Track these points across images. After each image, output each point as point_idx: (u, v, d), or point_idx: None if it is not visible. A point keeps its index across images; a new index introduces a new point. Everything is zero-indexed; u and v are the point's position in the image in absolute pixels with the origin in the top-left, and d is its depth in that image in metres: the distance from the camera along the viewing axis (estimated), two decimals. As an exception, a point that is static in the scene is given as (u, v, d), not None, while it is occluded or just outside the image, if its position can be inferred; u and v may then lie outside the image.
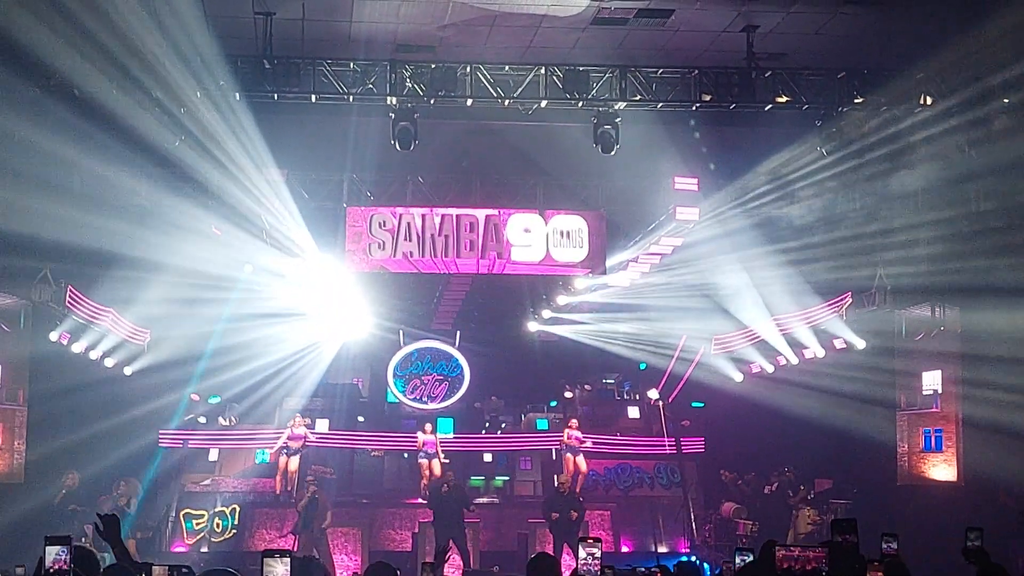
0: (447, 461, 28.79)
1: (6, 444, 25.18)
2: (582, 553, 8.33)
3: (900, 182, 23.29)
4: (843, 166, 23.46)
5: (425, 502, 27.43)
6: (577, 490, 27.60)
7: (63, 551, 6.69)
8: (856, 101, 22.27)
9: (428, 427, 29.16)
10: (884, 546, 9.49)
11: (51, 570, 6.62)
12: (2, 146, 20.28)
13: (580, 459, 28.74)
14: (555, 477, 28.48)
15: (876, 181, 23.64)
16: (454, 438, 30.57)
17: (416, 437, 28.90)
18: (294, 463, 28.09)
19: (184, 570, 9.39)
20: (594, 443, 29.52)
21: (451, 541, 25.35)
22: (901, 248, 23.93)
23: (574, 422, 29.54)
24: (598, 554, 8.36)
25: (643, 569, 12.39)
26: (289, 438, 28.15)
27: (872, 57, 21.85)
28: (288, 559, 6.75)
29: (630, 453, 31.26)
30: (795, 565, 6.26)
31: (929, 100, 21.61)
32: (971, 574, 9.78)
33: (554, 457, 30.12)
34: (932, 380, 25.99)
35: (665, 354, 32.06)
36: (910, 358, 26.33)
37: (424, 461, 28.67)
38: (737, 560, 11.14)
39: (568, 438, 28.97)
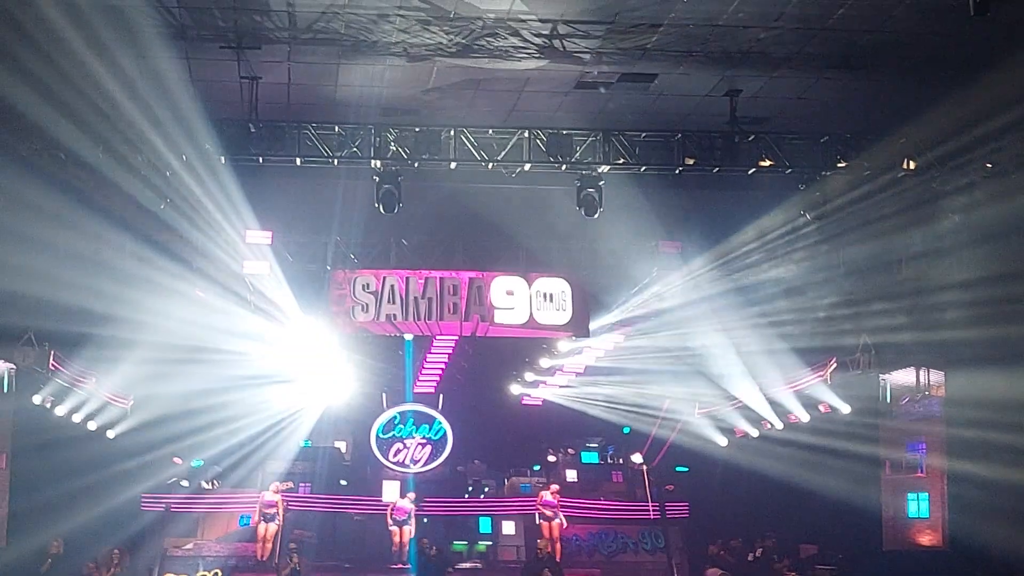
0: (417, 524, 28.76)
1: (-12, 507, 25.03)
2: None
3: (883, 245, 23.35)
4: (825, 230, 23.54)
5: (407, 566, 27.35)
6: (558, 557, 27.50)
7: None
8: (839, 165, 22.34)
9: (410, 495, 29.11)
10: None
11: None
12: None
13: (555, 524, 28.66)
14: (538, 542, 28.37)
15: (858, 245, 23.68)
16: (436, 502, 30.40)
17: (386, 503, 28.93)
18: (271, 529, 27.94)
19: None
20: (578, 507, 29.39)
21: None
22: (885, 313, 23.95)
23: (554, 487, 29.48)
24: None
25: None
26: (263, 505, 28.01)
27: (855, 122, 21.94)
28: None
29: (614, 518, 31.11)
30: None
31: (912, 164, 21.68)
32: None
33: (537, 522, 29.99)
34: (917, 445, 25.95)
35: (649, 418, 31.98)
36: (895, 422, 26.32)
37: (395, 528, 28.61)
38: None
39: (541, 502, 28.95)
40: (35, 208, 20.65)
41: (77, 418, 26.65)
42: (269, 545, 27.85)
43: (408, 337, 30.12)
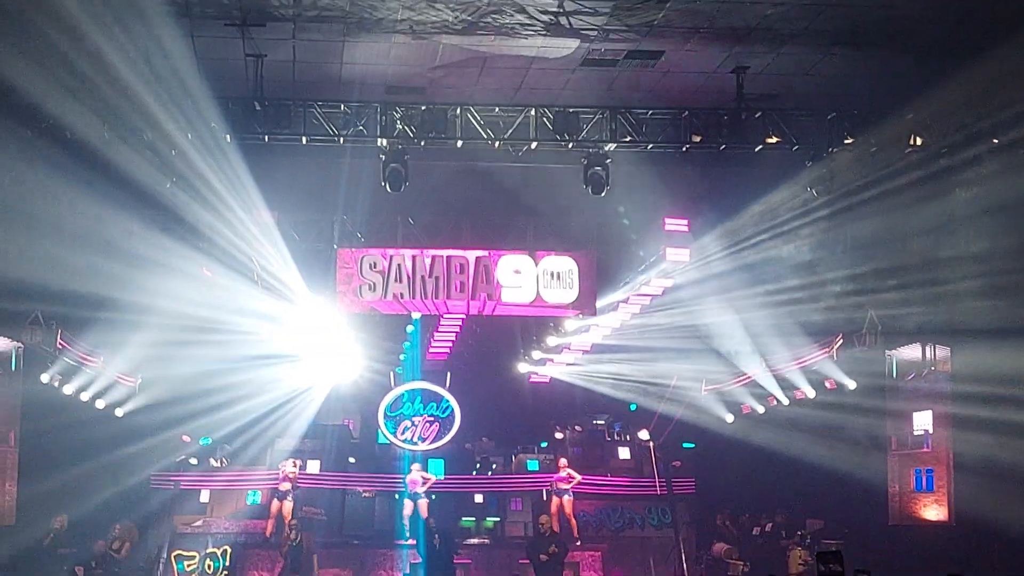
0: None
1: (-4, 485, 25.12)
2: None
3: (889, 222, 23.32)
4: (832, 206, 23.54)
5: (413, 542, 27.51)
6: (575, 533, 27.58)
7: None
8: (846, 142, 22.35)
9: (415, 467, 29.20)
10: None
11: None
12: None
13: (566, 500, 28.73)
14: (544, 516, 28.40)
15: (864, 222, 23.66)
16: (445, 479, 30.45)
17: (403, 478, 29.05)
18: (286, 507, 28.03)
19: None
20: (585, 484, 29.45)
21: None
22: (891, 289, 23.95)
23: (563, 461, 29.53)
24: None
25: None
26: (281, 480, 28.14)
27: (862, 98, 21.93)
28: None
29: (621, 494, 31.17)
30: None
31: (919, 141, 21.66)
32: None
33: (544, 498, 30.04)
34: (923, 420, 25.98)
35: (656, 395, 32.01)
36: (901, 398, 26.35)
37: (408, 502, 28.70)
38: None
39: (554, 480, 29.03)
40: (41, 188, 20.70)
41: (85, 397, 26.72)
42: (285, 521, 27.94)
43: (415, 315, 30.17)
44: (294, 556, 26.21)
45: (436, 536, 26.19)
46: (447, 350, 34.59)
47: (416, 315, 29.99)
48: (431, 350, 34.67)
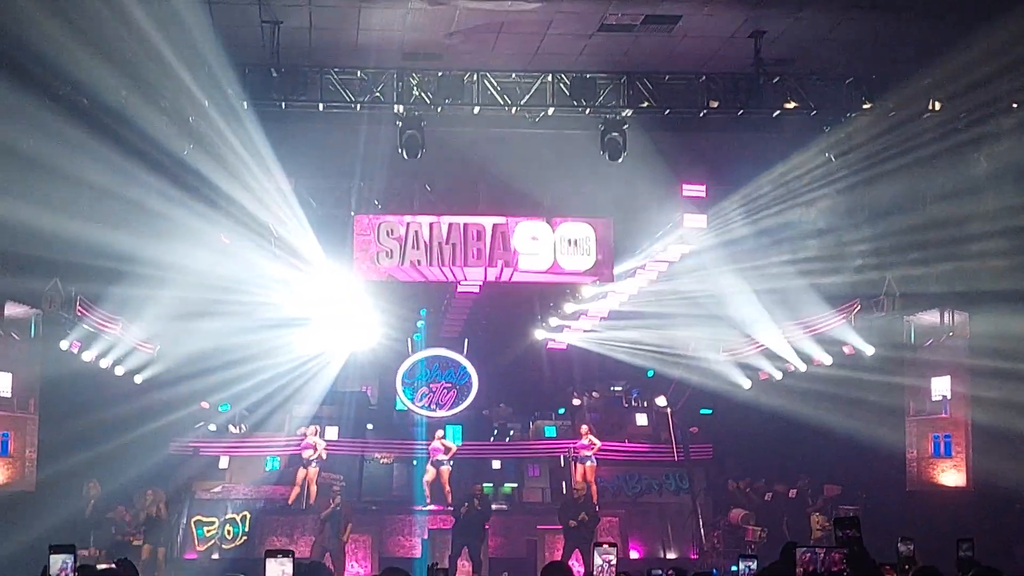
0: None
1: (17, 453, 25.15)
2: (597, 559, 8.32)
3: (907, 187, 23.26)
4: (850, 172, 23.47)
5: (437, 508, 27.61)
6: (594, 499, 27.67)
7: (68, 560, 6.68)
8: (864, 107, 22.27)
9: (439, 434, 29.33)
10: (901, 547, 9.46)
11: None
12: (11, 154, 20.28)
13: (589, 466, 28.77)
14: (569, 483, 28.47)
15: (883, 187, 23.59)
16: (463, 445, 30.53)
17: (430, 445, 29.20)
18: (313, 474, 28.20)
19: None
20: (602, 450, 29.51)
21: (465, 549, 25.53)
22: (910, 254, 23.90)
23: (584, 428, 29.58)
24: (613, 560, 8.36)
25: (659, 573, 12.35)
26: (302, 447, 28.29)
27: (880, 62, 21.83)
28: (290, 559, 6.71)
29: (638, 460, 31.24)
30: (816, 567, 6.21)
31: (937, 105, 21.57)
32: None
33: (563, 464, 30.11)
34: (941, 386, 25.91)
35: (673, 361, 32.03)
36: (919, 364, 26.29)
37: (431, 468, 28.81)
38: (741, 567, 11.05)
39: (576, 447, 29.10)
40: (61, 151, 20.66)
41: (104, 363, 26.78)
42: (314, 488, 28.07)
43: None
44: (334, 522, 26.45)
45: (476, 500, 26.32)
46: (460, 325, 34.63)
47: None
48: (445, 325, 34.72)
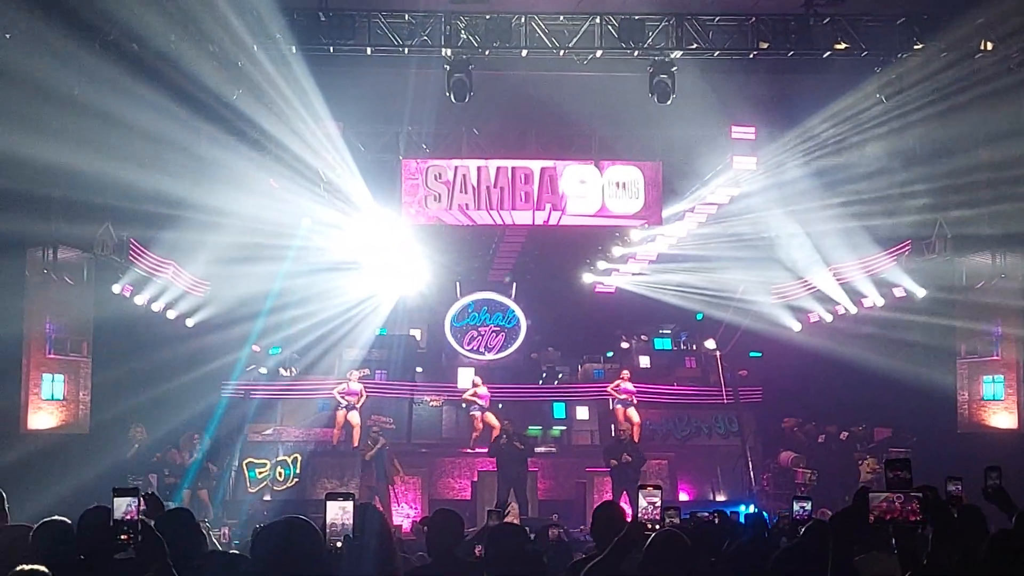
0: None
1: (71, 395, 25.42)
2: (642, 501, 8.31)
3: (959, 129, 23.04)
4: (901, 113, 23.27)
5: (485, 451, 27.70)
6: (636, 439, 27.71)
7: (132, 502, 6.77)
8: (916, 47, 22.04)
9: (475, 380, 29.42)
10: (950, 488, 9.45)
11: (122, 520, 6.69)
12: (63, 101, 20.40)
13: (631, 411, 28.83)
14: (614, 426, 28.53)
15: (935, 128, 23.38)
16: (512, 388, 30.64)
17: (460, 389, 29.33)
18: (354, 417, 28.35)
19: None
20: (652, 393, 29.56)
21: (512, 491, 25.62)
22: (961, 195, 23.73)
23: (625, 374, 29.62)
24: (658, 502, 8.35)
25: (705, 515, 12.45)
26: (343, 393, 28.42)
27: (932, 2, 21.59)
28: (351, 502, 6.79)
29: (687, 403, 31.26)
30: (890, 515, 6.19)
31: (989, 45, 21.32)
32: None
33: (610, 407, 30.18)
34: (992, 328, 25.80)
35: (722, 304, 31.98)
36: (970, 306, 26.14)
37: (476, 414, 28.91)
38: (796, 508, 11.08)
39: (616, 389, 29.10)
40: (109, 105, 20.75)
41: (156, 307, 26.98)
42: (357, 431, 28.23)
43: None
44: (379, 463, 26.68)
45: (505, 436, 26.45)
46: (508, 269, 34.66)
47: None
48: (493, 268, 34.75)
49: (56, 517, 8.54)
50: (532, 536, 12.98)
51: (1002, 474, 9.51)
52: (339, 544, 6.56)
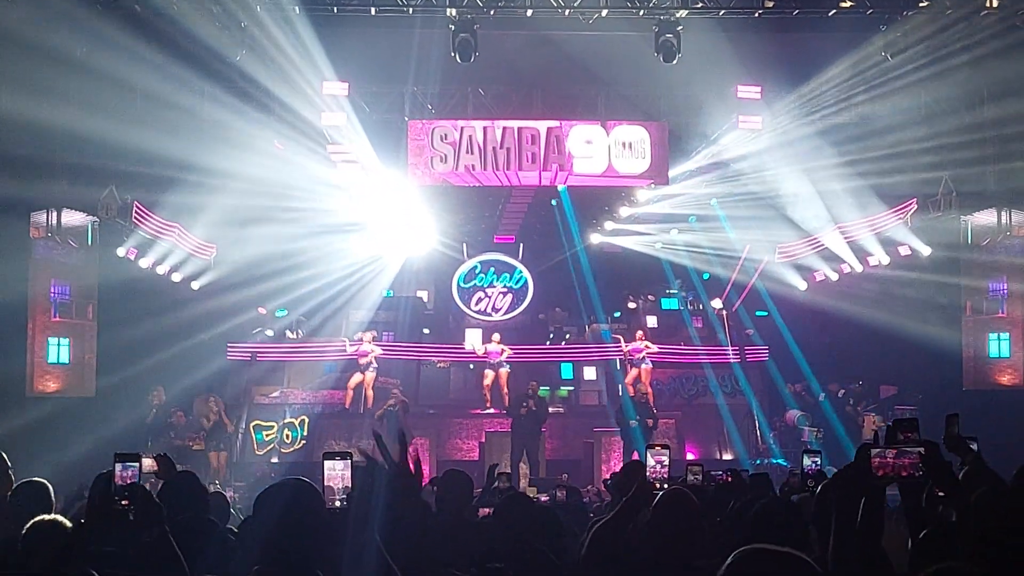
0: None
1: (76, 359, 25.46)
2: (651, 460, 8.31)
3: (964, 86, 22.97)
4: (907, 71, 23.20)
5: (495, 411, 27.79)
6: (651, 402, 27.73)
7: (133, 467, 6.78)
8: (921, 4, 21.96)
9: (495, 337, 29.44)
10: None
11: (122, 485, 6.71)
12: (65, 63, 20.37)
13: (644, 369, 28.83)
14: (631, 386, 28.52)
15: (940, 86, 23.32)
16: (519, 349, 30.65)
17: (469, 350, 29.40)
18: (368, 379, 28.35)
19: None
20: (658, 352, 29.56)
21: (524, 452, 25.73)
22: (967, 152, 23.67)
23: (640, 333, 29.62)
24: (666, 461, 8.35)
25: (718, 473, 12.47)
26: (358, 355, 28.46)
27: (937, -41, 21.52)
28: (349, 460, 6.76)
29: (694, 362, 31.27)
30: (891, 471, 6.17)
31: (995, 2, 21.25)
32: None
33: (618, 367, 30.18)
34: (998, 286, 25.79)
35: (728, 264, 31.97)
36: (976, 264, 26.12)
37: (490, 372, 28.97)
38: (807, 462, 11.10)
39: (630, 351, 29.11)
40: (112, 68, 20.71)
41: (161, 270, 26.98)
42: (370, 392, 28.25)
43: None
44: (391, 423, 26.72)
45: (531, 400, 26.51)
46: (515, 230, 34.62)
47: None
48: (500, 229, 34.71)
49: (35, 478, 8.58)
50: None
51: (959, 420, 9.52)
52: (338, 504, 6.54)
